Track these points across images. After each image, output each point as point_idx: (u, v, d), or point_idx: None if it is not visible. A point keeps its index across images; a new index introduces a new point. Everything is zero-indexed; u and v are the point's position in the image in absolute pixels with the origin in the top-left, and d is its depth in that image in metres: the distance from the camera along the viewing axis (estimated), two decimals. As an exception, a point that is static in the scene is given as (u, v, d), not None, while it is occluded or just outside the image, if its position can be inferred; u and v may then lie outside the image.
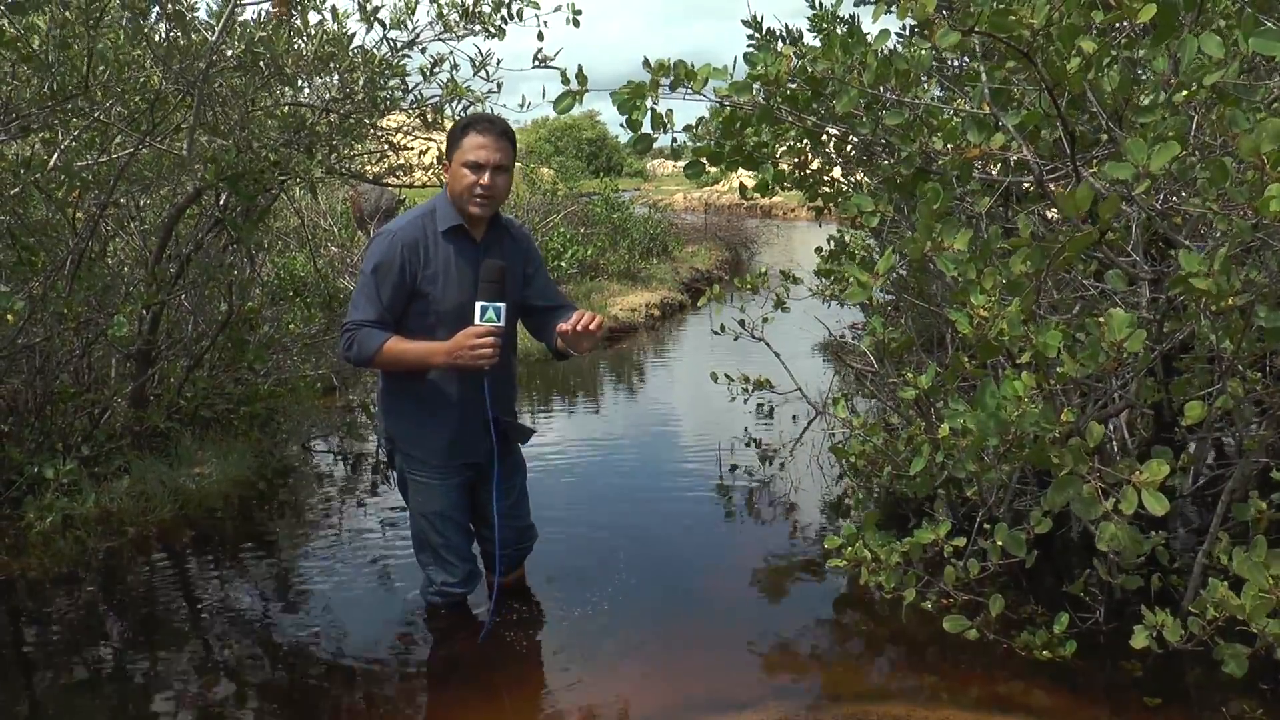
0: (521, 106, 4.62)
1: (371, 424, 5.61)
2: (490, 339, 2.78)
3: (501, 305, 2.81)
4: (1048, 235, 2.37)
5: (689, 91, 2.60)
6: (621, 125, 2.66)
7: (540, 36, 4.19)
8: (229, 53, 3.65)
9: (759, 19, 4.18)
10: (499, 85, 4.47)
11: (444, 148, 3.02)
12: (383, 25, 4.10)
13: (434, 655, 3.06)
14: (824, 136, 2.93)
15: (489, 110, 4.52)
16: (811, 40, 4.09)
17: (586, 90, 2.62)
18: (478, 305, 2.80)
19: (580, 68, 2.65)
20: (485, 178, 2.79)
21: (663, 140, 2.81)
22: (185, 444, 4.59)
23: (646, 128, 2.66)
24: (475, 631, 3.11)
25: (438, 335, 2.84)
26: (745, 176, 3.05)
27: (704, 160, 2.85)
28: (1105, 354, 1.97)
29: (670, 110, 2.68)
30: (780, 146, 2.97)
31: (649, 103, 2.57)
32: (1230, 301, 1.95)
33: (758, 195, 3.06)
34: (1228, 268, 1.92)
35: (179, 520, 4.10)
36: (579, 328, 2.75)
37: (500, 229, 3.00)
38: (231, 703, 2.77)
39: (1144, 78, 2.31)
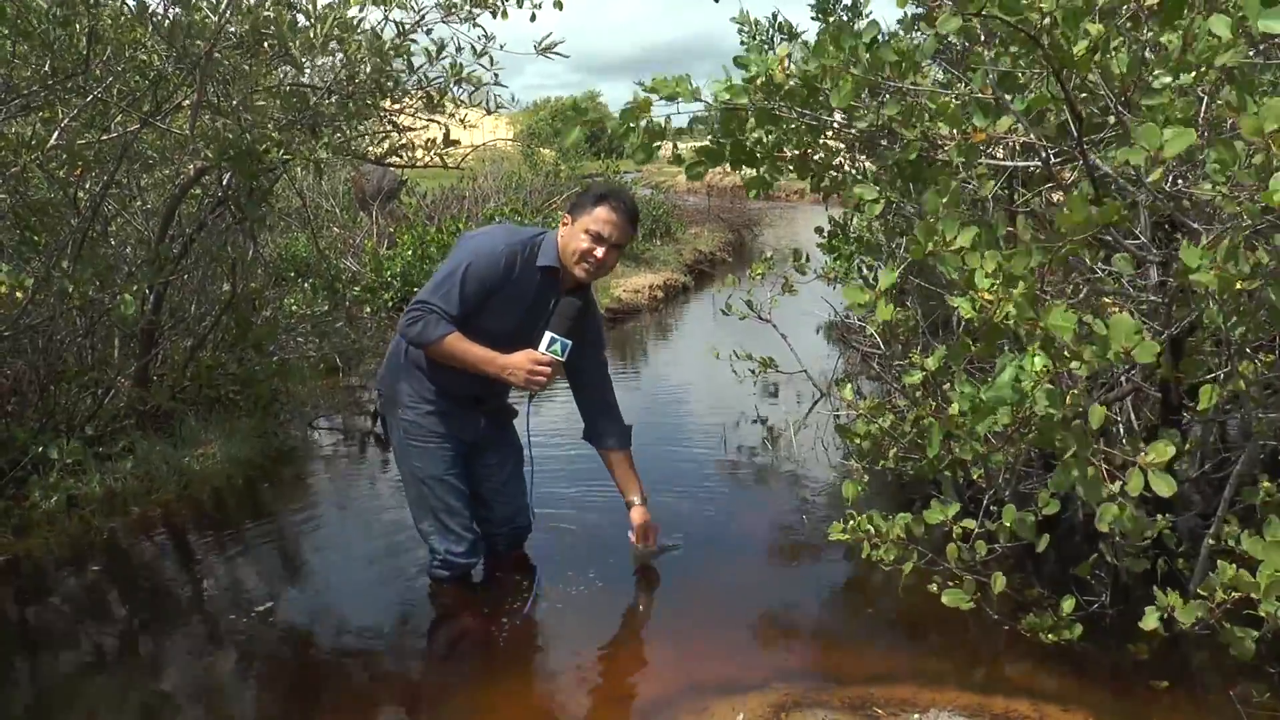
0: (512, 100, 4.67)
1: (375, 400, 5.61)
2: (549, 369, 2.88)
3: (569, 343, 2.91)
4: (1048, 226, 2.34)
5: (681, 104, 2.57)
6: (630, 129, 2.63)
7: (533, 18, 4.21)
8: (232, 30, 3.61)
9: (748, 14, 4.12)
10: (496, 75, 4.47)
11: (567, 205, 3.05)
12: (380, 4, 4.05)
13: (438, 635, 3.07)
14: (827, 130, 2.89)
15: (489, 95, 4.54)
16: (814, 29, 4.04)
17: (589, 119, 2.57)
18: (547, 334, 2.89)
19: (588, 96, 2.58)
20: (600, 252, 2.92)
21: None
22: (189, 424, 4.59)
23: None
24: (479, 611, 3.12)
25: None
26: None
27: (704, 160, 2.83)
28: (1115, 355, 1.97)
29: (692, 116, 2.66)
30: (784, 140, 2.93)
31: (644, 124, 2.54)
32: (1240, 285, 1.93)
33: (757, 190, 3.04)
34: (1234, 255, 1.90)
35: (183, 500, 4.10)
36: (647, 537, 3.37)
37: (585, 293, 3.09)
38: (236, 682, 2.78)
39: (1151, 59, 2.27)
